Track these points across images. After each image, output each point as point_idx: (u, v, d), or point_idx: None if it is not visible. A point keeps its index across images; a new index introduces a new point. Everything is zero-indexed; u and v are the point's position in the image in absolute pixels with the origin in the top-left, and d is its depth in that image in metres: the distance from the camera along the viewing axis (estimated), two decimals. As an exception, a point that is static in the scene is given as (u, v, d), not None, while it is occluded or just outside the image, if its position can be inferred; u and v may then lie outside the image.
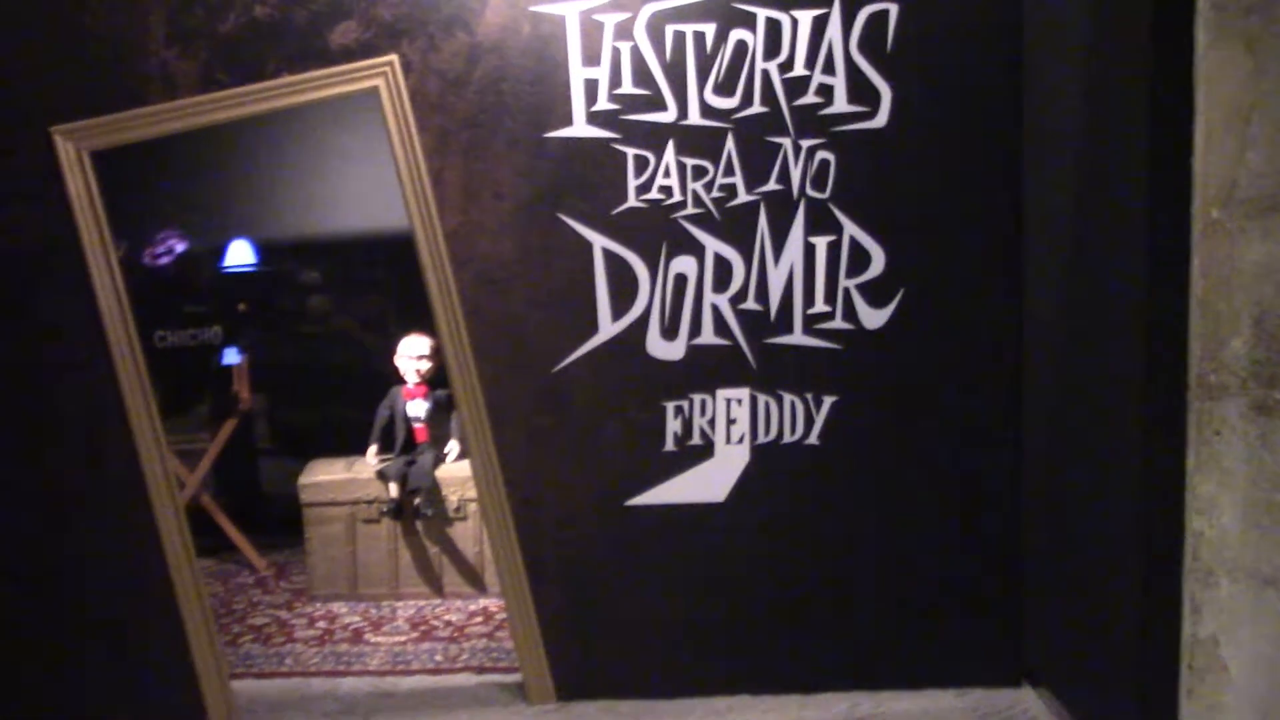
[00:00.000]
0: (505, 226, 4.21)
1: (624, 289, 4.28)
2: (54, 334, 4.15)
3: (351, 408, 6.15)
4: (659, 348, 4.35)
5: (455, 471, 5.40)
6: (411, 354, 5.58)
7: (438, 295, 4.23)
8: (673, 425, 4.37)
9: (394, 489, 5.44)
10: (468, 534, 5.50)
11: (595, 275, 4.29)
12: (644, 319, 4.34)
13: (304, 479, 5.58)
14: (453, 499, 5.39)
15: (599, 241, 4.28)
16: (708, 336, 4.33)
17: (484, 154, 4.18)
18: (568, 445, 4.35)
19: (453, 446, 5.59)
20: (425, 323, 5.76)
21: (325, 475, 5.54)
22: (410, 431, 5.59)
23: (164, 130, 4.22)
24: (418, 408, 5.58)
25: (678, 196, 4.28)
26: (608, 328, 4.33)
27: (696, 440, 4.37)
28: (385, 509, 5.38)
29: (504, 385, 4.25)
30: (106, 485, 4.12)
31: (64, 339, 4.15)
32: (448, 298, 4.24)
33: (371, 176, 6.55)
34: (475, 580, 5.48)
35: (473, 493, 5.33)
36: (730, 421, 4.37)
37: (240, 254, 6.75)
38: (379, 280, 6.71)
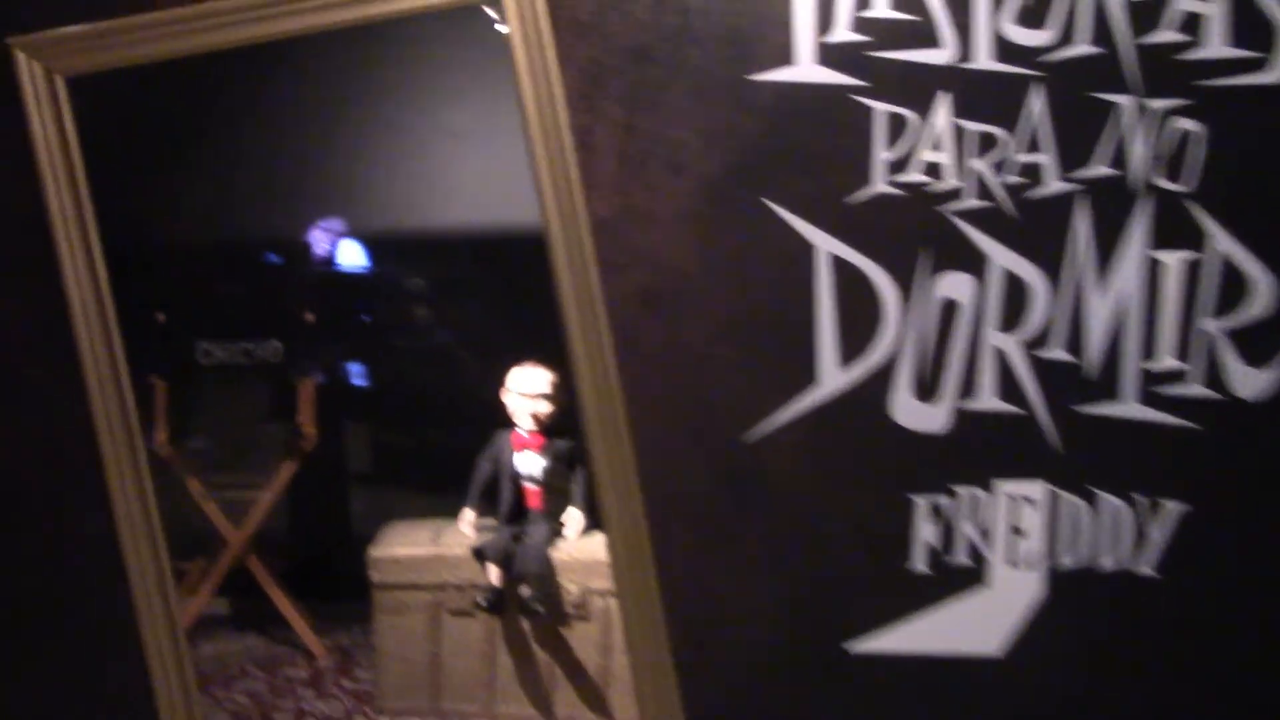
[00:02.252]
0: (683, 216, 2.40)
1: (860, 319, 2.45)
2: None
3: (449, 452, 4.25)
4: (910, 412, 2.49)
5: (578, 553, 3.72)
6: (526, 390, 3.67)
7: (576, 314, 2.39)
8: (925, 533, 2.51)
9: (495, 573, 3.62)
10: (590, 639, 3.62)
11: (817, 296, 2.47)
12: (889, 367, 2.53)
13: (376, 550, 3.72)
14: (572, 590, 3.51)
15: (825, 244, 2.44)
16: (986, 399, 2.53)
17: (656, 105, 2.52)
18: (762, 554, 2.79)
19: (574, 518, 3.64)
20: (546, 349, 3.82)
21: (404, 548, 3.67)
22: (519, 494, 3.69)
23: (174, 47, 2.39)
24: (531, 463, 3.68)
25: (951, 180, 2.43)
26: (832, 377, 2.52)
27: (961, 558, 2.52)
28: (483, 600, 3.65)
29: (668, 455, 2.49)
30: (69, 607, 2.35)
31: (16, 354, 2.75)
32: (590, 319, 2.41)
33: (487, 161, 4.51)
34: (597, 703, 3.74)
35: (599, 582, 3.57)
36: (1016, 532, 2.53)
37: (349, 254, 4.83)
38: (484, 290, 4.78)
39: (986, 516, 2.76)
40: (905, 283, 2.71)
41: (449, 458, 4.80)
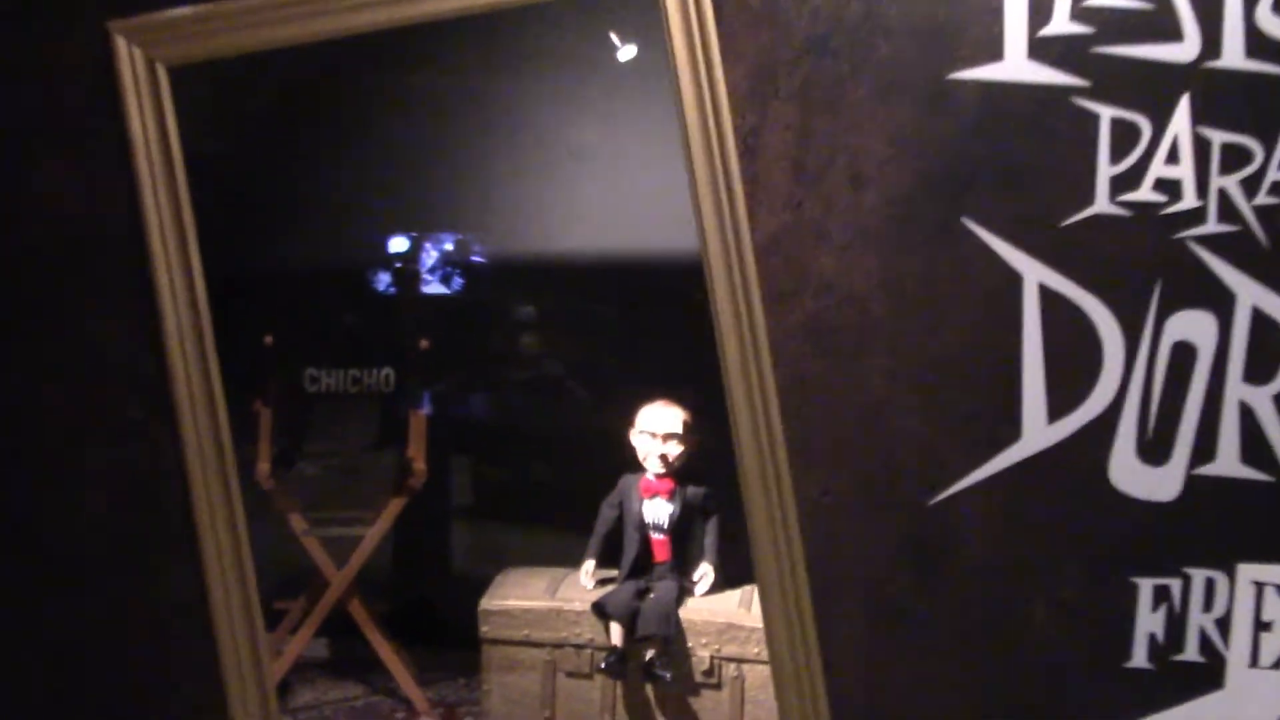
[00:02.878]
0: (865, 237, 1.95)
1: (1075, 363, 1.96)
2: (88, 365, 2.37)
3: (568, 494, 3.84)
4: (1133, 476, 1.97)
5: (709, 614, 3.40)
6: (655, 430, 3.21)
7: (735, 350, 1.93)
8: (1148, 622, 1.99)
9: (617, 632, 3.14)
10: (721, 709, 3.12)
11: (1023, 334, 1.93)
12: (1108, 421, 2.02)
13: (488, 601, 3.28)
14: (703, 655, 3.05)
15: (1035, 273, 1.95)
16: (1228, 463, 2.03)
17: (835, 106, 2.17)
18: (947, 641, 2.31)
19: (706, 574, 3.17)
20: (677, 386, 3.39)
21: (519, 600, 3.23)
22: (646, 545, 3.25)
23: (291, 33, 1.97)
24: (659, 510, 3.23)
25: (1190, 200, 1.93)
26: (1039, 431, 2.02)
27: (1192, 653, 2.00)
28: (604, 661, 3.11)
29: (838, 518, 2.04)
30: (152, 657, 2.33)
31: (102, 376, 2.36)
32: (751, 356, 1.93)
33: (612, 183, 4.08)
34: None
35: (733, 648, 3.37)
36: (1262, 626, 1.94)
37: (465, 279, 4.48)
38: (608, 320, 4.33)
39: (1225, 606, 2.20)
40: (1131, 321, 2.20)
41: (568, 500, 4.34)
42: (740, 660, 3.34)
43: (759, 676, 3.35)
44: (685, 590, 3.49)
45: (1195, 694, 2.24)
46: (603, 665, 3.33)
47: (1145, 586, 2.24)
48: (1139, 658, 2.23)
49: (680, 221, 4.59)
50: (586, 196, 4.48)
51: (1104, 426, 2.22)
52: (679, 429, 3.48)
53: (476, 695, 4.05)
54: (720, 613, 3.42)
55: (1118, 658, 2.25)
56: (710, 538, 3.55)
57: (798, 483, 2.22)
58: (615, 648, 3.35)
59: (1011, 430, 2.22)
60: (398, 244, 4.61)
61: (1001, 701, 2.27)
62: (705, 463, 3.61)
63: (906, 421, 2.22)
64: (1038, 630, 2.25)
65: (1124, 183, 2.20)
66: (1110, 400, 2.22)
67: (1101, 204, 2.19)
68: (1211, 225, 2.19)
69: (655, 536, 3.48)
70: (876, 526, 2.25)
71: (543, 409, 4.44)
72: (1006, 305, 2.21)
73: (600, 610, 3.38)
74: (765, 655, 3.36)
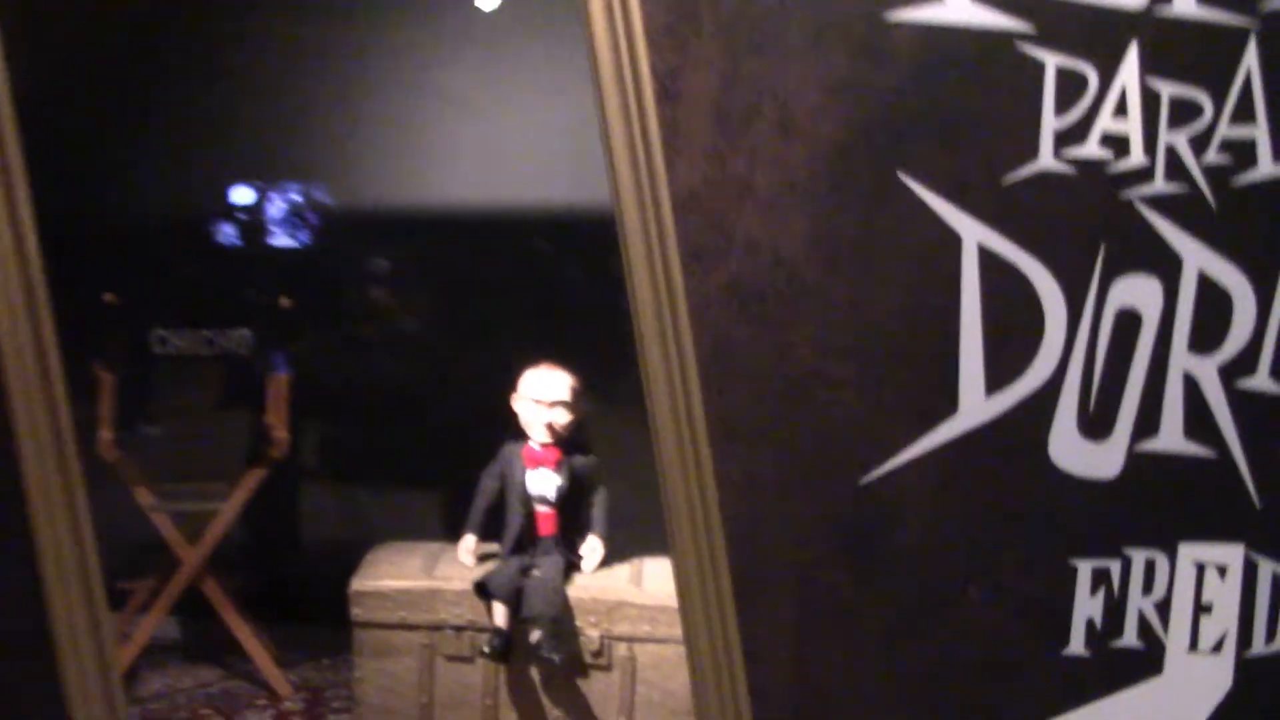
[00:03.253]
0: (794, 192, 1.73)
1: (1014, 332, 1.75)
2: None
3: (445, 464, 3.58)
4: (1073, 452, 1.79)
5: (598, 591, 3.19)
6: (542, 396, 2.94)
7: (649, 313, 1.66)
8: (1087, 607, 1.84)
9: (501, 613, 2.91)
10: (610, 693, 3.11)
11: (961, 300, 1.69)
12: (1048, 394, 1.83)
13: (359, 582, 2.99)
14: (592, 634, 2.82)
15: (974, 234, 1.75)
16: (1171, 438, 1.81)
17: (764, 46, 1.98)
18: (881, 631, 2.10)
19: (594, 547, 2.92)
20: (550, 346, 3.14)
21: (393, 580, 2.95)
22: (530, 519, 2.97)
23: None
24: (545, 482, 2.97)
25: (1138, 158, 1.74)
26: (977, 405, 1.81)
27: (1131, 639, 1.80)
28: (486, 644, 3.08)
29: (763, 501, 1.82)
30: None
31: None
32: (667, 321, 1.63)
33: (476, 133, 3.78)
34: None
35: (624, 626, 3.15)
36: (1202, 609, 1.81)
37: (324, 232, 4.15)
38: (488, 278, 4.05)
39: (1165, 588, 2.05)
40: (1075, 287, 2.01)
41: (441, 471, 4.05)
42: (631, 640, 3.13)
43: (651, 657, 3.14)
44: (572, 566, 3.25)
45: (1133, 681, 2.09)
46: (485, 649, 3.08)
47: (1084, 569, 2.07)
48: (1076, 645, 2.07)
49: (547, 172, 4.30)
50: (446, 146, 4.18)
51: (1044, 400, 2.04)
52: (567, 396, 3.22)
53: (344, 677, 3.76)
54: (610, 590, 3.19)
55: (1055, 644, 2.07)
56: (598, 510, 3.32)
57: (719, 462, 1.99)
58: (499, 629, 3.10)
59: (948, 404, 2.03)
60: (243, 195, 4.24)
61: (933, 694, 2.08)
62: (590, 430, 3.36)
63: (838, 394, 2.01)
64: (973, 617, 2.08)
65: (1069, 137, 2.02)
66: (1051, 372, 2.04)
67: (1046, 160, 2.00)
68: (1159, 185, 2.02)
69: (540, 510, 3.23)
70: (804, 508, 2.04)
71: (410, 372, 4.13)
72: (945, 269, 2.01)
73: (482, 590, 3.12)
74: (657, 634, 3.14)
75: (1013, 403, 2.03)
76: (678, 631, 3.13)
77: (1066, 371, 2.04)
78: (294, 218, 4.24)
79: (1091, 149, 2.00)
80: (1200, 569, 2.07)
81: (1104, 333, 2.03)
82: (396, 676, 3.22)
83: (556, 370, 3.29)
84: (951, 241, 2.02)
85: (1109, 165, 2.00)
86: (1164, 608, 2.09)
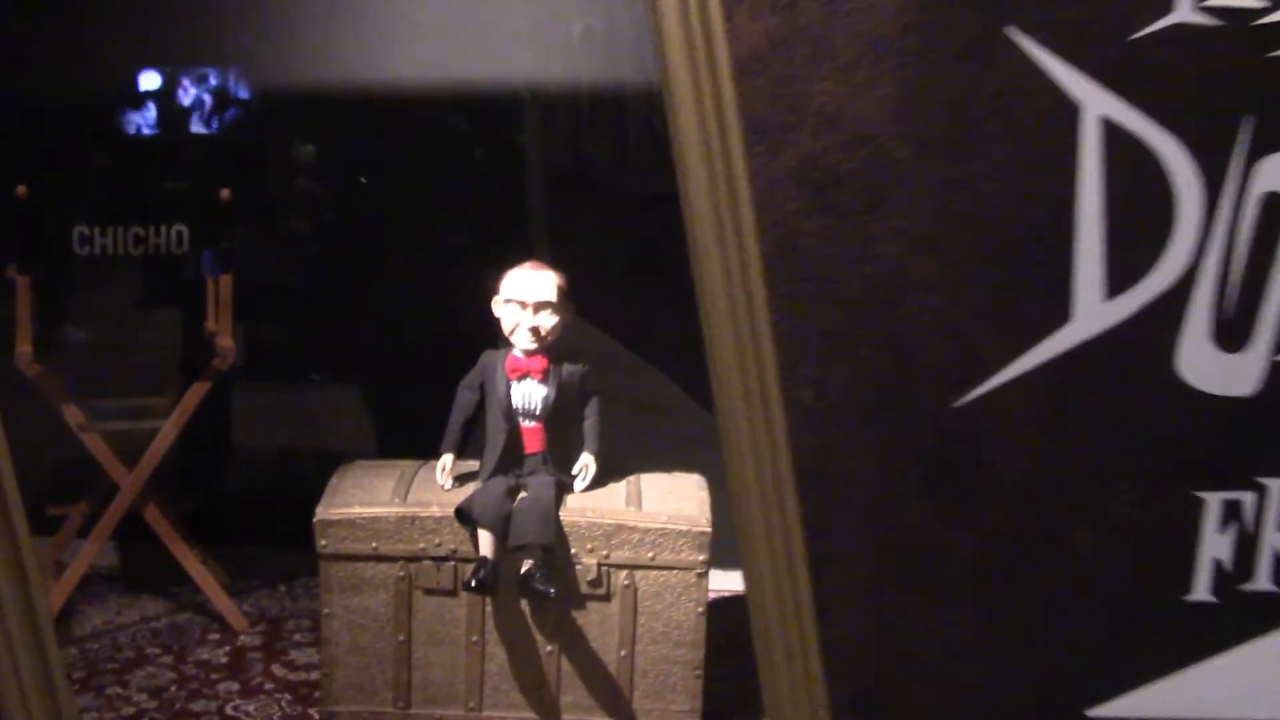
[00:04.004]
0: (879, 53, 1.21)
1: (1141, 221, 1.26)
2: None
3: (416, 371, 3.15)
4: (1206, 366, 1.38)
5: (595, 515, 2.78)
6: (525, 297, 2.48)
7: (704, 206, 1.16)
8: (1213, 545, 1.38)
9: (487, 541, 2.75)
10: (610, 624, 2.85)
11: (1078, 184, 1.23)
12: (1178, 295, 1.36)
13: (325, 509, 2.58)
14: (589, 562, 2.46)
15: (1096, 102, 1.27)
16: None
17: None
18: (976, 580, 1.75)
19: (587, 464, 2.48)
20: (547, 245, 3.22)
21: (364, 506, 2.53)
22: (515, 434, 2.53)
23: None
24: (531, 393, 2.57)
25: None
26: (1093, 310, 1.36)
27: (1263, 582, 1.35)
28: (472, 576, 2.70)
29: (836, 425, 1.33)
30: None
31: None
32: (725, 215, 1.15)
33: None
34: (617, 704, 2.80)
35: (622, 552, 2.77)
36: None
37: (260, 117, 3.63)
38: (450, 167, 3.57)
39: None
40: (1213, 167, 1.60)
41: (411, 382, 3.61)
42: (632, 567, 2.75)
43: (653, 584, 2.76)
44: (564, 486, 2.84)
45: (1265, 630, 1.73)
46: (472, 583, 2.66)
47: (1213, 502, 1.70)
48: (1201, 590, 1.70)
49: (511, 47, 3.77)
50: (381, 22, 3.67)
51: (1173, 303, 1.65)
52: (553, 296, 2.78)
53: (303, 606, 3.38)
54: (607, 512, 2.79)
55: (1176, 590, 1.70)
56: (590, 422, 2.90)
57: (786, 381, 1.57)
58: (485, 559, 2.70)
59: (1059, 310, 1.61)
60: (151, 80, 3.69)
61: (1032, 650, 1.71)
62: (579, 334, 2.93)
63: (928, 299, 1.59)
64: (1080, 560, 1.68)
65: None
66: (1183, 269, 1.65)
67: (1183, 10, 1.57)
68: None
69: (526, 424, 2.81)
70: (885, 435, 1.63)
71: (369, 272, 3.65)
72: (1060, 145, 1.59)
73: (466, 516, 2.71)
74: (660, 560, 2.76)
75: (1136, 307, 1.64)
76: (683, 557, 2.75)
77: (1200, 269, 1.64)
78: (221, 102, 3.70)
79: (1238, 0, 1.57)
80: (1345, 500, 1.70)
81: (1245, 221, 1.64)
82: (369, 613, 2.82)
83: (541, 269, 2.85)
84: (1068, 112, 1.60)
85: (1256, 17, 1.57)
86: (1301, 546, 1.72)
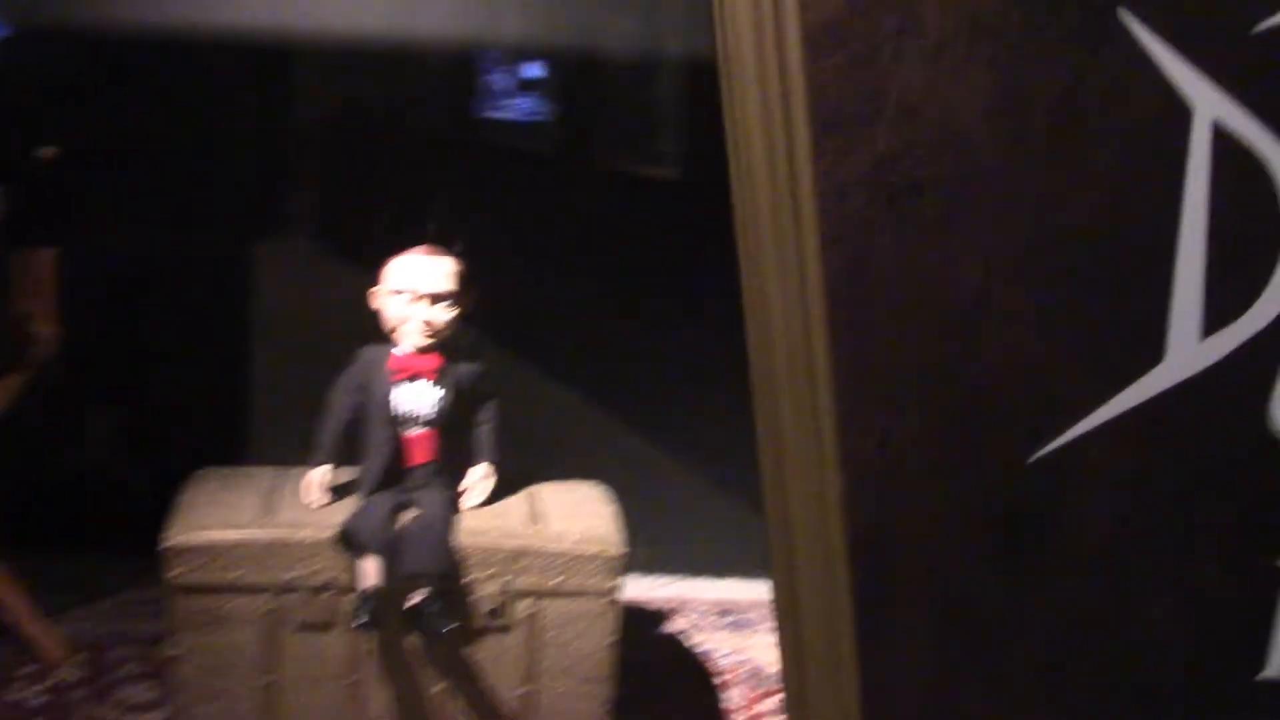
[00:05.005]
0: (974, 34, 0.82)
1: (1244, 247, 0.95)
2: None
3: (275, 368, 2.70)
4: None
5: (497, 536, 2.37)
6: (418, 287, 2.00)
7: (764, 212, 0.73)
8: None
9: (372, 568, 2.25)
10: (509, 658, 2.45)
11: (1183, 201, 0.91)
12: (1275, 336, 0.98)
13: (178, 533, 2.15)
14: (488, 590, 1.94)
15: (1209, 104, 0.93)
16: None
17: None
18: (1043, 661, 1.43)
19: (484, 475, 2.06)
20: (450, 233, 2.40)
21: (224, 530, 2.06)
22: (397, 445, 2.05)
23: None
24: (420, 397, 2.15)
25: None
26: (1188, 350, 1.06)
27: None
28: (356, 615, 2.25)
29: (901, 483, 0.92)
30: None
31: None
32: (787, 224, 0.77)
33: None
34: None
35: (527, 578, 2.36)
36: None
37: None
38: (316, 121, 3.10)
39: None
40: None
41: (271, 380, 3.11)
42: (537, 594, 2.38)
43: (559, 613, 2.41)
44: (454, 503, 2.42)
45: None
46: (357, 622, 2.22)
47: None
48: (1274, 667, 1.43)
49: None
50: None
51: (1270, 345, 1.35)
52: (451, 285, 2.35)
53: (135, 630, 2.81)
54: (509, 533, 2.41)
55: (1249, 662, 1.43)
56: (486, 428, 2.50)
57: (845, 427, 1.20)
58: (370, 591, 2.27)
59: (1152, 348, 1.31)
60: None
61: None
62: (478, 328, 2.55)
63: (1012, 333, 1.26)
64: (1155, 636, 1.39)
65: None
66: None
67: None
68: None
69: (413, 431, 2.37)
70: (953, 497, 1.29)
71: (222, 249, 3.12)
72: (1168, 155, 1.27)
73: (348, 539, 2.27)
74: (568, 586, 2.41)
75: (1232, 347, 1.35)
76: (593, 583, 2.40)
77: None
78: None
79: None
80: None
81: None
82: (229, 652, 2.37)
83: (436, 254, 2.41)
84: (1180, 115, 1.27)
85: None
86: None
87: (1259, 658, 1.50)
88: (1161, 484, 1.44)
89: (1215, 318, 1.41)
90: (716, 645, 2.88)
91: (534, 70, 3.56)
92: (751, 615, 3.05)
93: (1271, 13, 1.35)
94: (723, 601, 3.15)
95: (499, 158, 3.44)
